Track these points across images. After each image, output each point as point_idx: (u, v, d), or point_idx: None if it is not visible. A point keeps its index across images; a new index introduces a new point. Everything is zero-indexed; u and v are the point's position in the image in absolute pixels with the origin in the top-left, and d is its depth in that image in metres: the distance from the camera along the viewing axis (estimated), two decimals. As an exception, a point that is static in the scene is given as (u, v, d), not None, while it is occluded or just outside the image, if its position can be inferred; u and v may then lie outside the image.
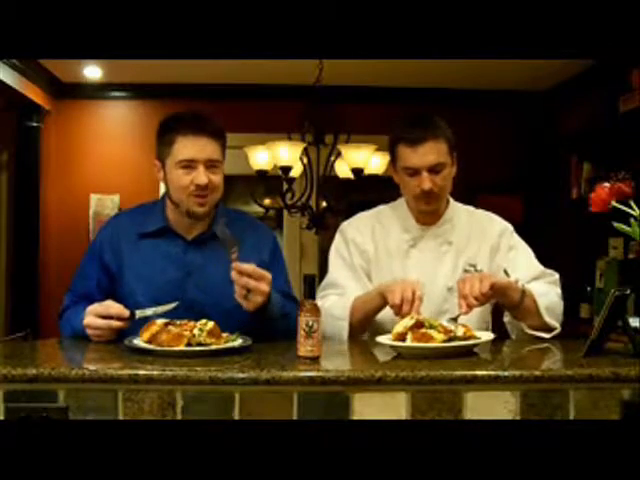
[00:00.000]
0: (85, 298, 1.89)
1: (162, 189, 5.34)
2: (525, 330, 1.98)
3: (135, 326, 1.74)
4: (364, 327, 2.02)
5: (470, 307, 1.82)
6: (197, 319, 1.68)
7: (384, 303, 1.92)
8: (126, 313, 1.78)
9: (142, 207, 2.09)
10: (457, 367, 1.49)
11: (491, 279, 1.85)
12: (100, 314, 1.77)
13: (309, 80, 3.73)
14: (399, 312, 1.81)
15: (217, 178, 1.91)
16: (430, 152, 1.96)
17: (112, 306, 1.79)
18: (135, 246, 1.96)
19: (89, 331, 1.79)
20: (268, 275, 1.80)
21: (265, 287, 1.78)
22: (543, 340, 1.95)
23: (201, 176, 1.87)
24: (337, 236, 2.17)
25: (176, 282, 1.92)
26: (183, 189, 1.89)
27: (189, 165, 1.87)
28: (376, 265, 2.08)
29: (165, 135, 1.92)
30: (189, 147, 1.87)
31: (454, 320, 1.79)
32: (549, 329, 1.97)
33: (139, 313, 1.79)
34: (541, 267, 2.09)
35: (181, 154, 1.88)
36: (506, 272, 1.97)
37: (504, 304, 1.98)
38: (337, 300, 2.01)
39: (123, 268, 1.94)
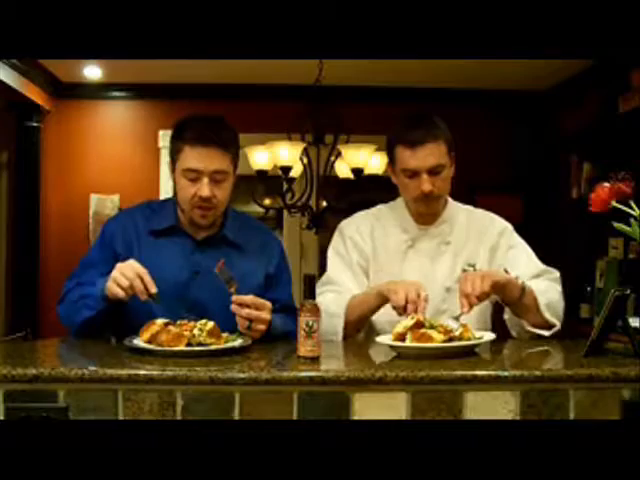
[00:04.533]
0: (93, 284, 1.86)
1: (162, 189, 5.32)
2: (525, 327, 1.98)
3: (135, 326, 1.74)
4: (360, 326, 2.02)
5: (471, 306, 1.81)
6: (200, 319, 1.68)
7: (383, 303, 1.92)
8: (153, 288, 1.75)
9: (152, 204, 2.09)
10: (457, 367, 1.49)
11: (492, 277, 1.85)
12: (136, 270, 1.75)
13: (309, 80, 3.73)
14: (403, 313, 1.80)
15: (221, 192, 1.90)
16: (430, 154, 1.95)
17: (149, 276, 1.77)
18: (145, 242, 1.96)
19: (114, 272, 1.76)
20: (268, 304, 1.81)
21: (266, 316, 1.79)
22: (543, 340, 1.96)
23: (204, 189, 1.86)
24: (336, 234, 2.17)
25: (183, 281, 1.93)
26: (187, 199, 1.90)
27: (194, 176, 1.87)
28: (374, 264, 2.08)
29: (176, 140, 1.92)
30: (195, 158, 1.86)
31: (456, 319, 1.79)
32: (549, 326, 1.97)
33: (155, 295, 1.76)
34: (542, 265, 2.09)
35: (186, 163, 1.88)
36: (506, 271, 1.97)
37: (504, 301, 1.98)
38: (334, 297, 2.00)
39: None
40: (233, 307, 1.77)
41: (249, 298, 1.78)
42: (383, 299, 1.90)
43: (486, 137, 4.98)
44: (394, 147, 2.00)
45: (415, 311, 1.78)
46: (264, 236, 2.07)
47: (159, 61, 4.07)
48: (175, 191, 1.97)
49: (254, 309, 1.77)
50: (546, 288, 2.01)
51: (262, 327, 1.79)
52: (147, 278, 1.76)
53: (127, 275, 1.76)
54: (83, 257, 2.03)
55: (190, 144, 1.87)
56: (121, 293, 1.76)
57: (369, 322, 2.06)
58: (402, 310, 1.80)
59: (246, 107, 4.72)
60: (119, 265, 1.79)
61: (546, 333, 1.97)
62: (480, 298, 1.82)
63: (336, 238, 2.16)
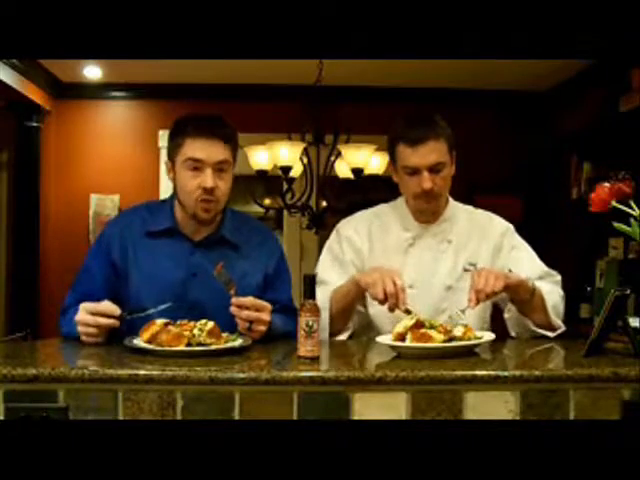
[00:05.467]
0: (90, 296, 1.86)
1: (162, 189, 5.33)
2: (530, 327, 1.99)
3: (135, 326, 1.74)
4: (346, 318, 2.01)
5: (479, 302, 1.82)
6: (199, 321, 1.68)
7: (362, 293, 1.93)
8: (116, 311, 1.75)
9: (149, 205, 2.08)
10: (457, 367, 1.49)
11: (506, 279, 1.85)
12: (90, 311, 1.75)
13: (309, 80, 3.73)
14: (384, 304, 1.81)
15: (224, 184, 1.90)
16: (431, 152, 1.96)
17: (104, 304, 1.77)
18: (142, 244, 1.96)
19: (79, 328, 1.77)
20: (268, 305, 1.81)
21: (266, 317, 1.80)
22: (543, 340, 1.96)
23: (208, 179, 1.86)
24: (333, 234, 2.17)
25: (180, 283, 1.92)
26: (190, 193, 1.89)
27: (197, 166, 1.87)
28: (371, 264, 2.07)
29: (176, 135, 1.92)
30: (198, 148, 1.87)
31: (462, 312, 1.79)
32: (553, 328, 1.98)
33: (127, 314, 1.77)
34: (544, 267, 2.10)
35: (189, 153, 1.88)
36: (510, 272, 1.97)
37: (514, 300, 1.98)
38: (319, 294, 2.00)
39: (129, 266, 1.94)
40: (233, 309, 1.76)
41: (249, 300, 1.78)
42: (361, 290, 1.91)
43: (486, 137, 4.99)
44: (395, 145, 2.01)
45: (396, 305, 1.78)
46: (263, 236, 2.07)
47: (159, 61, 4.08)
48: (175, 189, 1.97)
49: (254, 311, 1.77)
50: (551, 290, 2.02)
51: (262, 328, 1.79)
52: (104, 309, 1.75)
53: (88, 322, 1.75)
54: (82, 264, 2.02)
55: (192, 136, 1.88)
56: (96, 340, 1.76)
57: (369, 322, 2.06)
58: (383, 302, 1.81)
59: (246, 107, 4.72)
60: (77, 317, 1.77)
61: (551, 334, 1.98)
62: (490, 296, 1.83)
63: (332, 237, 2.16)
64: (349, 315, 2.02)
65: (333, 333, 1.99)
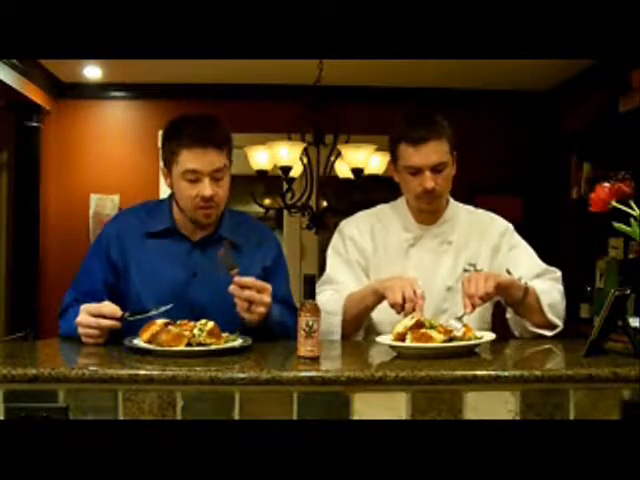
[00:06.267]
0: (89, 296, 1.86)
1: (162, 189, 5.32)
2: (528, 327, 1.98)
3: (135, 326, 1.74)
4: (358, 324, 2.01)
5: (474, 307, 1.82)
6: (199, 321, 1.68)
7: (379, 300, 1.92)
8: (118, 313, 1.75)
9: (147, 205, 2.08)
10: (457, 367, 1.49)
11: (496, 278, 1.85)
12: (92, 312, 1.75)
13: (309, 80, 3.73)
14: (400, 311, 1.81)
15: (222, 190, 1.90)
16: (433, 152, 1.96)
17: (105, 305, 1.77)
18: (140, 244, 1.95)
19: (80, 330, 1.76)
20: (268, 286, 1.80)
21: (267, 298, 1.79)
22: (544, 339, 1.96)
23: (206, 188, 1.86)
24: (336, 234, 2.18)
25: (180, 283, 1.92)
26: (189, 200, 1.89)
27: (194, 177, 1.86)
28: (374, 263, 2.08)
29: (170, 144, 1.90)
30: (194, 159, 1.85)
31: (459, 319, 1.79)
32: (551, 326, 1.98)
33: (128, 315, 1.76)
34: (543, 265, 2.10)
35: (186, 165, 1.86)
36: (508, 272, 1.97)
37: (507, 301, 1.98)
38: (331, 296, 2.01)
39: (128, 266, 1.94)
40: (233, 288, 1.75)
41: (250, 280, 1.77)
42: (379, 297, 1.91)
43: (486, 137, 4.98)
44: (397, 145, 2.01)
45: (413, 309, 1.78)
46: (261, 233, 2.07)
47: (159, 61, 4.08)
48: (173, 194, 1.97)
49: (255, 292, 1.77)
50: (548, 288, 2.01)
51: (262, 310, 1.78)
52: (106, 309, 1.75)
53: (89, 323, 1.75)
54: (81, 264, 2.02)
55: (187, 146, 1.86)
56: (97, 341, 1.75)
57: (369, 322, 2.06)
58: (400, 308, 1.81)
59: (246, 107, 4.73)
60: (77, 319, 1.76)
61: (548, 333, 1.97)
62: (483, 299, 1.83)
63: (336, 238, 2.16)
64: (361, 322, 2.02)
65: (342, 338, 1.99)
